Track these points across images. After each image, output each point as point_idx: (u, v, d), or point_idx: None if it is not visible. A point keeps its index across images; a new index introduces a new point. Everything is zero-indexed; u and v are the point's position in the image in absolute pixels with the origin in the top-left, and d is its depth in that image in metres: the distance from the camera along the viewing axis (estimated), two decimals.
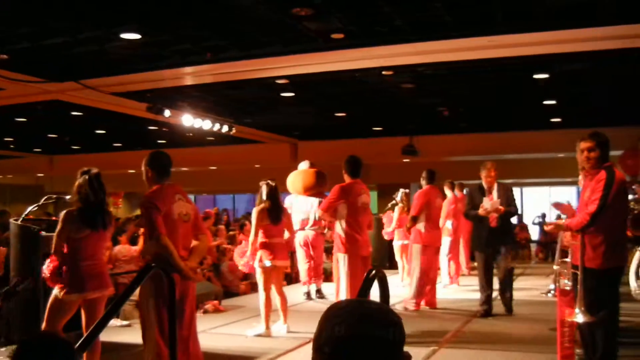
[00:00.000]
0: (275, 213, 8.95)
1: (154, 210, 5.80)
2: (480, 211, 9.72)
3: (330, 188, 9.30)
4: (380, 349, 1.77)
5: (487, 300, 10.08)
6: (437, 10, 9.05)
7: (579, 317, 6.13)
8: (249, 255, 9.11)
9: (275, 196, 9.07)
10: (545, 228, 6.68)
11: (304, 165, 12.43)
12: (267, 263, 8.80)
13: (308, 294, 12.14)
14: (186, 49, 10.81)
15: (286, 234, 9.16)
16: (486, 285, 10.09)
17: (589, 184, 6.31)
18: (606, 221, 6.12)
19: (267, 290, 8.85)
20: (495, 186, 9.99)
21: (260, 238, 8.86)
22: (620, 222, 6.36)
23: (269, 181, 9.04)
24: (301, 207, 11.89)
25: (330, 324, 1.79)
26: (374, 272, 3.36)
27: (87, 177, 6.24)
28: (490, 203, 9.69)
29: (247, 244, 9.39)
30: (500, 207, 9.69)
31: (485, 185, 10.03)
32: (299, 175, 12.18)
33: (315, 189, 12.01)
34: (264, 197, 8.94)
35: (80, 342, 4.05)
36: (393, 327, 1.82)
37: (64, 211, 6.25)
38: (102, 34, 9.90)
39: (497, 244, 9.91)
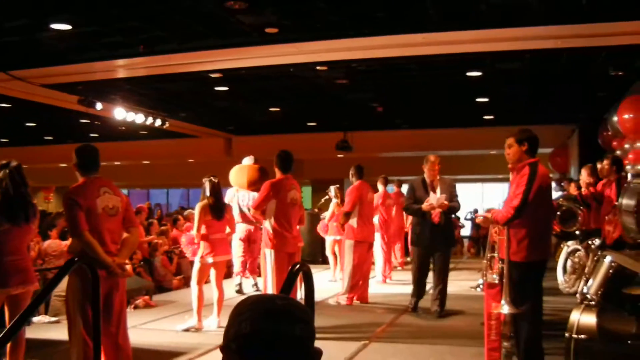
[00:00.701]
0: (217, 209, 8.98)
1: (75, 206, 5.68)
2: (425, 206, 9.49)
3: None
4: (286, 345, 1.77)
5: (418, 295, 10.06)
6: (371, 6, 9.08)
7: (505, 309, 6.26)
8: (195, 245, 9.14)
9: (218, 192, 9.11)
10: (476, 220, 6.82)
11: (248, 161, 12.44)
12: (209, 260, 8.83)
13: (240, 287, 12.13)
14: (118, 41, 10.66)
15: (227, 230, 9.19)
16: (419, 283, 10.02)
17: (514, 179, 6.49)
18: (529, 215, 6.29)
19: (200, 283, 8.85)
20: (439, 181, 9.77)
21: (202, 233, 8.87)
22: (543, 216, 6.48)
23: (212, 177, 9.08)
24: (242, 201, 11.89)
25: (238, 321, 1.79)
26: (298, 266, 3.34)
27: (7, 170, 6.07)
28: (436, 198, 9.49)
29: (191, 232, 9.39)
30: (445, 203, 9.45)
31: (427, 179, 9.75)
32: (243, 170, 12.19)
33: (258, 184, 12.03)
34: (207, 193, 8.94)
35: (0, 336, 3.94)
36: (300, 324, 1.81)
37: None
38: (31, 24, 9.70)
39: (437, 241, 9.66)
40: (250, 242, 11.99)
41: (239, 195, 11.97)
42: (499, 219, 6.43)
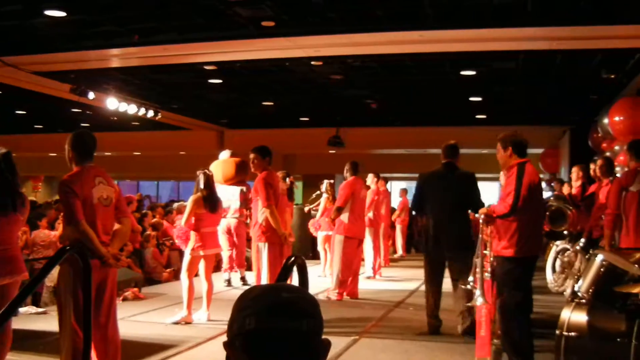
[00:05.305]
0: (211, 202, 8.97)
1: (72, 195, 5.60)
2: None
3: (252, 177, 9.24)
4: (292, 341, 1.69)
5: None
6: (368, 2, 9.07)
7: (479, 300, 6.32)
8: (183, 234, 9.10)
9: (212, 185, 9.10)
10: (480, 212, 6.79)
11: (224, 155, 12.44)
12: (201, 252, 8.83)
13: (229, 282, 12.18)
14: (113, 30, 10.62)
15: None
16: None
17: (505, 180, 6.74)
18: (520, 212, 6.36)
19: (190, 276, 8.81)
20: None
21: (193, 225, 8.85)
22: (532, 214, 6.52)
23: (206, 170, 9.06)
24: (223, 195, 11.89)
25: (241, 316, 1.70)
26: (293, 259, 3.31)
27: None
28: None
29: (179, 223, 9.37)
30: None
31: None
32: (219, 165, 12.17)
33: (235, 179, 12.07)
34: (201, 186, 8.91)
35: None
36: (306, 318, 1.73)
37: None
38: (25, 9, 9.63)
39: None
40: (234, 235, 12.03)
41: (218, 190, 12.01)
42: (496, 212, 6.51)
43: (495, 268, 6.60)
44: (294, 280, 3.29)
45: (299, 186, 22.10)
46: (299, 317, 1.71)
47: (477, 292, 6.37)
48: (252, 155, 8.96)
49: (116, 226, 6.04)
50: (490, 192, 26.50)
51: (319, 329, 1.75)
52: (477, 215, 7.02)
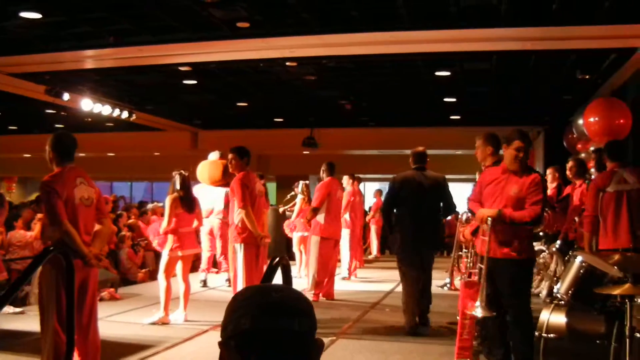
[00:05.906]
0: (188, 202, 9.00)
1: (54, 195, 5.60)
2: None
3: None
4: (287, 341, 1.72)
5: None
6: (342, 3, 9.11)
7: (478, 311, 6.11)
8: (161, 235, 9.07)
9: (188, 186, 9.12)
10: (483, 214, 6.45)
11: (213, 156, 12.37)
12: (179, 253, 8.87)
13: (204, 282, 12.21)
14: (88, 31, 10.59)
15: (195, 223, 9.18)
16: None
17: (513, 179, 6.25)
18: None
19: (168, 277, 8.81)
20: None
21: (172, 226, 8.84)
22: None
23: (182, 171, 9.07)
24: (207, 196, 11.89)
25: (235, 316, 1.73)
26: (277, 259, 3.33)
27: None
28: None
29: (158, 224, 9.34)
30: None
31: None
32: (206, 166, 12.14)
33: (221, 181, 12.01)
34: (177, 186, 8.91)
35: None
36: (299, 317, 1.75)
37: None
38: None
39: None
40: (216, 236, 12.01)
41: (202, 191, 11.95)
42: (515, 218, 6.09)
43: (496, 271, 6.21)
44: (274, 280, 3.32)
45: (268, 188, 22.10)
46: (292, 317, 1.74)
47: (477, 302, 6.17)
48: (230, 156, 8.96)
49: (97, 227, 6.04)
50: (463, 193, 26.60)
51: (311, 328, 1.78)
52: (467, 217, 7.09)
